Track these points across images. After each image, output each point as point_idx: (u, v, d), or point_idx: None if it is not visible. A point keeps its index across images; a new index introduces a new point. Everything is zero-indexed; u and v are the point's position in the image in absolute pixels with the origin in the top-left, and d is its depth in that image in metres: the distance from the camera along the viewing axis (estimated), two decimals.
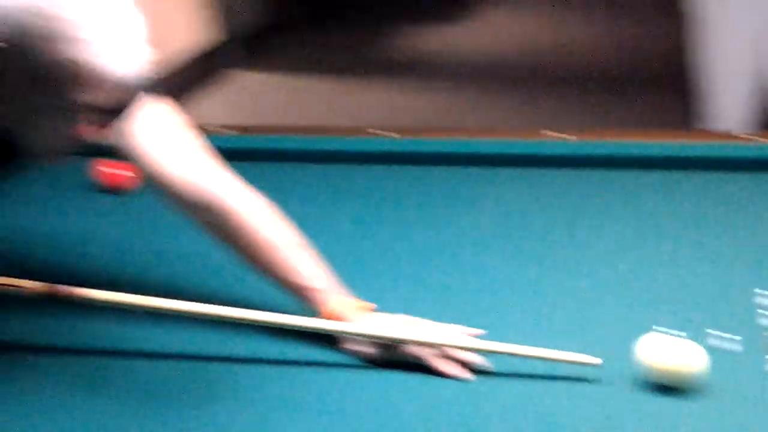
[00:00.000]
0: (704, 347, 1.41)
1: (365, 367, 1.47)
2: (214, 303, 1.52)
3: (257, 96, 5.71)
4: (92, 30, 1.32)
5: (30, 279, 1.54)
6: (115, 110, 1.47)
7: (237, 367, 1.49)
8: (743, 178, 2.08)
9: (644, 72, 5.59)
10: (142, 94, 1.52)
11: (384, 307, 1.55)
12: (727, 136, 2.39)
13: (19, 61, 1.31)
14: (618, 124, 4.49)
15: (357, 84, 5.78)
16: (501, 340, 1.46)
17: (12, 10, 1.30)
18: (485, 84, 5.65)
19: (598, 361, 1.41)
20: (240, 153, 2.03)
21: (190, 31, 6.11)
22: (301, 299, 1.53)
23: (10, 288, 1.54)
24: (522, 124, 4.76)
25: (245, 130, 2.41)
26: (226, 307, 1.51)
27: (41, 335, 1.59)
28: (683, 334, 1.44)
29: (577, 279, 1.73)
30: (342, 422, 1.35)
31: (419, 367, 1.45)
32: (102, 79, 1.34)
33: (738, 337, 1.49)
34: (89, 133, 1.42)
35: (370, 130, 2.34)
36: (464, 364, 1.44)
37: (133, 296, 1.52)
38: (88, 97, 1.35)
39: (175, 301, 1.51)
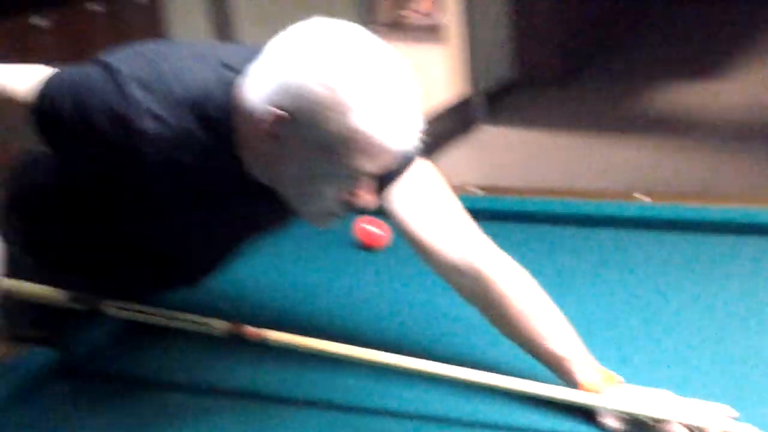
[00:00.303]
0: None
1: None
2: (457, 364, 1.52)
3: (503, 152, 5.73)
4: (374, 100, 1.37)
5: (276, 327, 1.60)
6: (387, 176, 1.54)
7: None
8: None
9: None
10: (409, 159, 1.57)
11: (633, 380, 1.50)
12: None
13: (304, 131, 1.39)
14: None
15: (607, 142, 5.68)
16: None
17: (299, 82, 1.37)
18: (749, 146, 5.37)
19: None
20: (488, 213, 2.04)
21: (441, 85, 6.23)
22: (553, 368, 1.52)
23: (201, 325, 1.61)
24: None
25: (492, 189, 2.42)
26: (474, 371, 1.50)
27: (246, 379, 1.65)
28: None
29: None
30: None
31: None
32: (382, 149, 1.39)
33: None
34: (362, 198, 1.47)
35: (636, 195, 2.28)
36: None
37: (385, 354, 1.54)
38: (366, 164, 1.41)
39: (410, 358, 1.53)
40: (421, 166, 1.63)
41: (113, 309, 1.64)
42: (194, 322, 1.61)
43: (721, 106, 6.20)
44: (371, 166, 1.42)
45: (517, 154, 5.63)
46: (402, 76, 1.41)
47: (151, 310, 1.63)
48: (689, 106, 6.30)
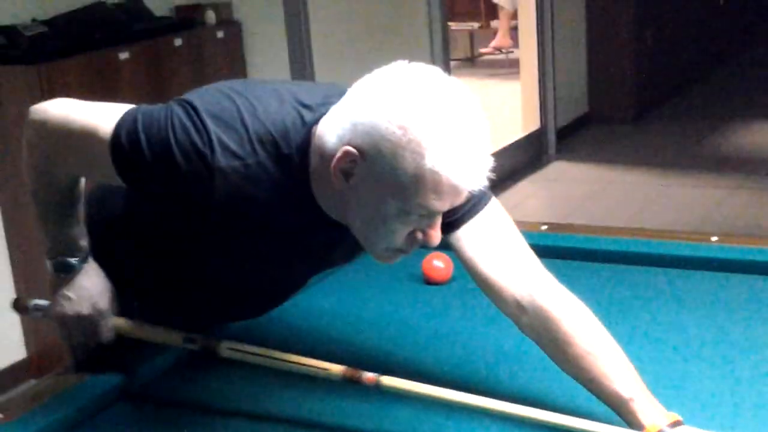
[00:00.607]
0: None
1: None
2: (518, 400, 1.54)
3: (573, 186, 5.71)
4: (446, 140, 1.40)
5: (339, 361, 1.62)
6: (456, 215, 1.57)
7: None
8: None
9: None
10: (479, 198, 1.60)
11: (694, 421, 1.51)
12: None
13: (376, 169, 1.43)
14: None
15: (677, 180, 5.64)
16: None
17: (373, 121, 1.42)
18: None
19: None
20: (553, 250, 2.07)
21: (516, 119, 6.26)
22: (617, 409, 1.51)
23: (318, 370, 1.62)
24: None
25: (558, 227, 2.44)
26: (538, 410, 1.51)
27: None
28: None
29: None
30: None
31: None
32: (453, 188, 1.43)
33: None
34: (430, 236, 1.50)
35: (714, 239, 2.27)
36: None
37: (442, 390, 1.55)
38: (436, 204, 1.44)
39: (482, 398, 1.53)
40: (489, 205, 1.65)
41: (228, 351, 1.66)
42: (311, 366, 1.62)
43: None
44: (441, 204, 1.45)
45: (586, 189, 5.61)
46: (473, 115, 1.44)
47: (266, 352, 1.65)
48: (762, 146, 6.24)
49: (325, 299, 2.13)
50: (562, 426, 1.49)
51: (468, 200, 1.54)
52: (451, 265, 2.16)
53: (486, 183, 1.48)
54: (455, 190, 1.43)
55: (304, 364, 1.62)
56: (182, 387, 1.79)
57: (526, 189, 5.67)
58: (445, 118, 1.41)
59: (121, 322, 1.73)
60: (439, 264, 2.18)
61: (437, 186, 1.42)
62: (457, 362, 1.83)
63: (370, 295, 2.18)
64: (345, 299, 2.15)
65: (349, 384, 1.59)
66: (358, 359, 1.67)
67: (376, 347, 1.91)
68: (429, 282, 2.20)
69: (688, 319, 1.97)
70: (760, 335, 1.89)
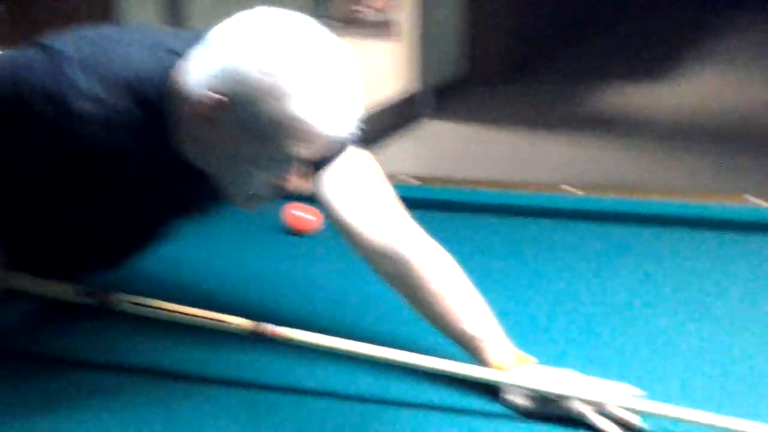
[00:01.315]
0: None
1: (522, 420, 1.47)
2: (380, 345, 1.55)
3: (447, 145, 5.78)
4: (312, 86, 1.39)
5: (228, 313, 1.60)
6: (320, 162, 1.57)
7: (395, 410, 1.52)
8: None
9: None
10: (344, 146, 1.60)
11: (549, 360, 1.55)
12: None
13: (240, 115, 1.41)
14: None
15: (548, 138, 5.76)
16: (663, 401, 1.44)
17: (237, 67, 1.40)
18: (685, 144, 5.52)
19: None
20: (423, 203, 2.09)
21: (390, 79, 6.27)
22: (465, 347, 1.56)
23: (218, 323, 1.60)
24: (723, 187, 4.61)
25: (431, 180, 2.47)
26: (388, 349, 1.54)
27: (242, 370, 1.66)
28: None
29: (754, 343, 1.70)
30: None
31: (575, 422, 1.45)
32: (317, 135, 1.42)
33: None
34: (292, 183, 1.50)
35: (564, 187, 2.34)
36: (622, 424, 1.43)
37: (329, 338, 1.56)
38: (300, 150, 1.44)
39: (342, 340, 1.56)
40: (355, 153, 1.66)
41: (126, 304, 1.62)
42: (213, 320, 1.59)
43: (661, 107, 6.33)
44: (304, 151, 1.44)
45: (459, 148, 5.68)
46: (341, 63, 1.43)
47: (166, 305, 1.61)
48: (631, 106, 6.42)
49: (190, 249, 2.11)
50: (412, 364, 1.53)
51: (333, 148, 1.54)
52: (319, 215, 2.16)
53: (353, 132, 1.48)
54: (317, 137, 1.43)
55: (209, 318, 1.59)
56: (29, 340, 1.76)
57: (402, 148, 5.70)
58: (309, 64, 1.40)
59: (11, 275, 1.67)
60: (302, 214, 2.18)
61: (299, 132, 1.41)
62: (326, 311, 1.85)
63: (234, 245, 2.18)
64: (207, 249, 2.14)
65: (250, 337, 1.58)
66: (231, 310, 1.65)
67: (250, 298, 1.91)
68: (294, 232, 2.20)
69: (543, 265, 2.05)
70: (611, 279, 1.98)
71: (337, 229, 1.66)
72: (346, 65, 1.44)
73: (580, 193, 2.32)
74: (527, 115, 6.22)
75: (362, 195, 1.64)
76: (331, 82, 1.41)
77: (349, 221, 1.63)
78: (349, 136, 1.51)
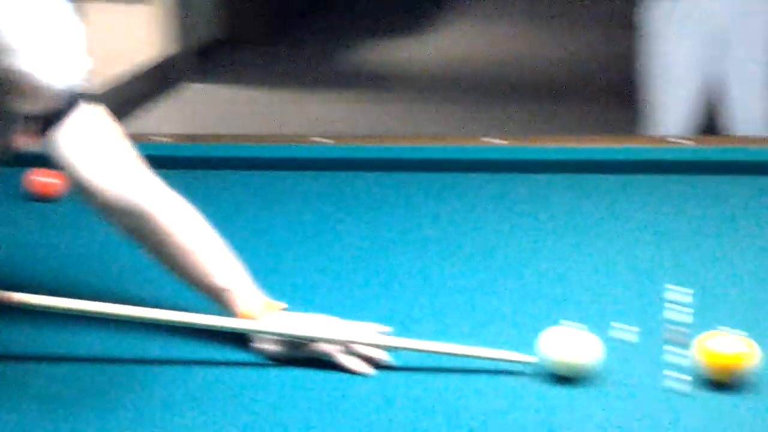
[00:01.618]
0: (608, 339, 1.45)
1: (273, 365, 1.48)
2: (131, 304, 1.53)
3: (209, 107, 5.73)
4: (28, 39, 1.34)
5: None
6: (48, 119, 1.50)
7: (148, 368, 1.50)
8: (672, 180, 2.14)
9: (597, 81, 5.66)
10: (75, 102, 1.54)
11: (301, 307, 1.57)
12: (662, 140, 2.45)
13: None
14: (569, 132, 4.54)
15: (309, 96, 5.80)
16: (409, 336, 1.49)
17: None
18: (440, 94, 5.72)
19: (533, 359, 1.43)
20: (180, 161, 2.10)
21: (147, 43, 6.13)
22: (215, 300, 1.55)
23: None
24: (474, 133, 4.81)
25: (189, 139, 2.43)
26: (138, 308, 1.52)
27: None
28: (584, 326, 1.45)
29: (493, 277, 1.76)
30: (250, 419, 1.36)
31: (325, 363, 1.47)
32: (37, 89, 1.37)
33: (636, 329, 1.52)
34: (23, 141, 1.44)
35: (315, 139, 2.36)
36: (369, 360, 1.47)
37: (64, 300, 1.52)
38: (23, 106, 1.38)
39: (91, 302, 1.52)
40: (89, 110, 1.59)
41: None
42: None
43: (413, 60, 6.51)
44: (28, 107, 1.39)
45: (221, 109, 5.64)
46: (60, 15, 1.38)
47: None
48: (388, 61, 6.55)
49: None
50: (159, 320, 1.52)
51: (62, 104, 1.48)
52: (62, 178, 2.09)
53: (78, 84, 1.43)
54: (39, 91, 1.37)
55: None
56: None
57: (164, 111, 5.60)
58: (25, 16, 1.34)
59: None
60: (44, 179, 2.11)
61: (20, 87, 1.35)
62: (74, 275, 1.81)
63: None
64: None
65: None
66: None
67: None
68: (38, 198, 2.12)
69: (303, 216, 2.07)
70: (358, 225, 2.01)
71: (75, 189, 1.61)
72: (65, 17, 1.39)
73: (330, 142, 2.34)
74: (289, 75, 6.24)
75: (98, 151, 1.59)
76: (50, 34, 1.37)
77: (87, 178, 1.57)
78: (76, 91, 1.46)
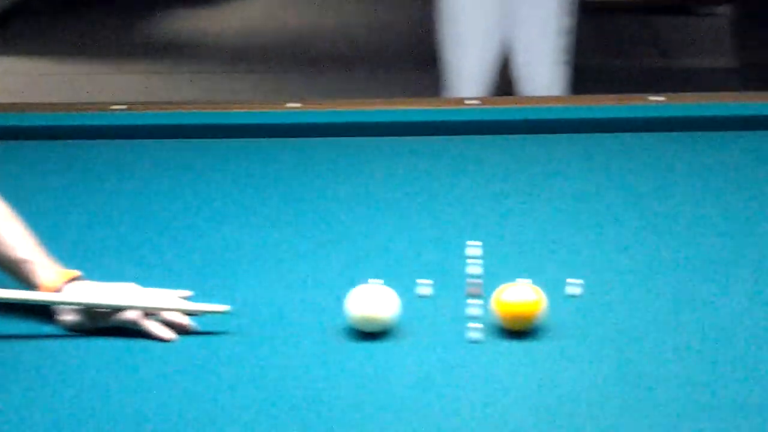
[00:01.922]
0: (413, 296, 1.51)
1: (77, 336, 1.45)
2: None
3: (7, 80, 5.52)
4: None
5: None
6: None
7: None
8: (469, 140, 2.20)
9: (401, 47, 5.75)
10: None
11: (95, 275, 1.54)
12: (457, 102, 2.51)
13: None
14: (373, 96, 4.58)
15: (113, 66, 5.67)
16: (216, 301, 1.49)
17: None
18: (242, 63, 5.69)
19: (226, 308, 1.46)
20: None
21: None
22: (15, 273, 1.51)
23: None
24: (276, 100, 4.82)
25: None
26: None
27: None
28: (380, 281, 1.48)
29: (299, 239, 1.78)
30: (55, 391, 1.33)
31: (131, 332, 1.45)
32: None
33: (429, 282, 1.56)
34: None
35: (113, 107, 2.31)
36: (172, 325, 1.46)
37: None
38: None
39: None
40: None
41: None
42: None
43: (217, 30, 6.45)
44: None
45: (20, 83, 5.44)
46: None
47: None
48: (186, 30, 6.48)
49: None
50: None
51: None
52: None
53: None
54: None
55: None
56: None
57: None
58: None
59: None
60: None
61: None
62: None
63: None
64: None
65: None
66: None
67: None
68: None
69: (110, 186, 2.03)
70: (171, 193, 1.99)
71: None
72: None
73: (123, 107, 2.31)
74: (87, 45, 6.07)
75: None
76: None
77: None
78: None
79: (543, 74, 3.58)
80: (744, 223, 1.80)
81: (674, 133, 2.18)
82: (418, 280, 1.56)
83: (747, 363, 1.36)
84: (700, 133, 2.18)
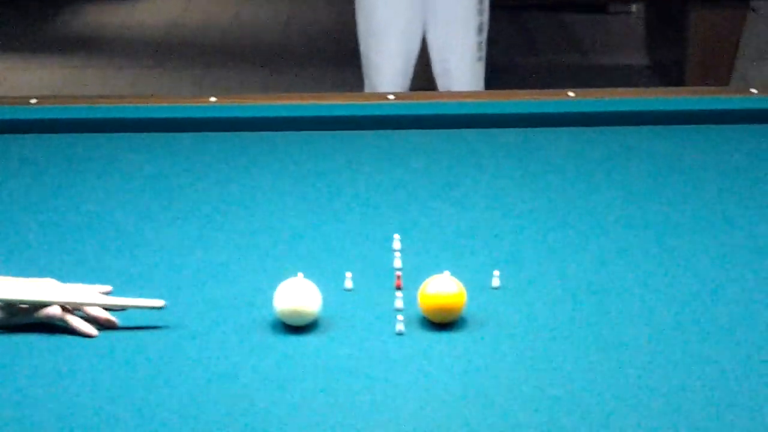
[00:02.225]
0: (341, 289, 1.54)
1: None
2: None
3: None
4: None
5: None
6: None
7: None
8: (390, 134, 2.22)
9: (329, 42, 5.75)
10: None
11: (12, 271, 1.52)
12: (378, 96, 2.53)
13: None
14: (300, 91, 4.58)
15: (30, 60, 5.58)
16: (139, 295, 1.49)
17: None
18: (158, 58, 5.63)
19: (161, 303, 1.45)
20: None
21: None
22: None
23: None
24: (194, 91, 4.82)
25: None
26: None
27: None
28: (301, 275, 1.48)
29: (223, 233, 1.78)
30: None
31: (53, 327, 1.43)
32: None
33: (349, 275, 1.57)
34: None
35: (33, 101, 2.28)
36: (94, 321, 1.44)
37: None
38: None
39: None
40: None
41: None
42: None
43: (133, 24, 6.37)
44: None
45: None
46: None
47: None
48: (103, 25, 6.40)
49: None
50: None
51: None
52: None
53: None
54: None
55: None
56: None
57: None
58: None
59: None
60: None
61: None
62: None
63: None
64: None
65: None
66: None
67: None
68: None
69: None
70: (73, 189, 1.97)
71: None
72: None
73: (34, 101, 2.28)
74: (5, 38, 5.97)
75: None
76: None
77: None
78: None
79: (461, 70, 3.62)
80: (654, 213, 1.85)
81: (587, 128, 2.23)
82: (347, 273, 1.57)
83: (668, 353, 1.40)
84: (611, 128, 2.24)
